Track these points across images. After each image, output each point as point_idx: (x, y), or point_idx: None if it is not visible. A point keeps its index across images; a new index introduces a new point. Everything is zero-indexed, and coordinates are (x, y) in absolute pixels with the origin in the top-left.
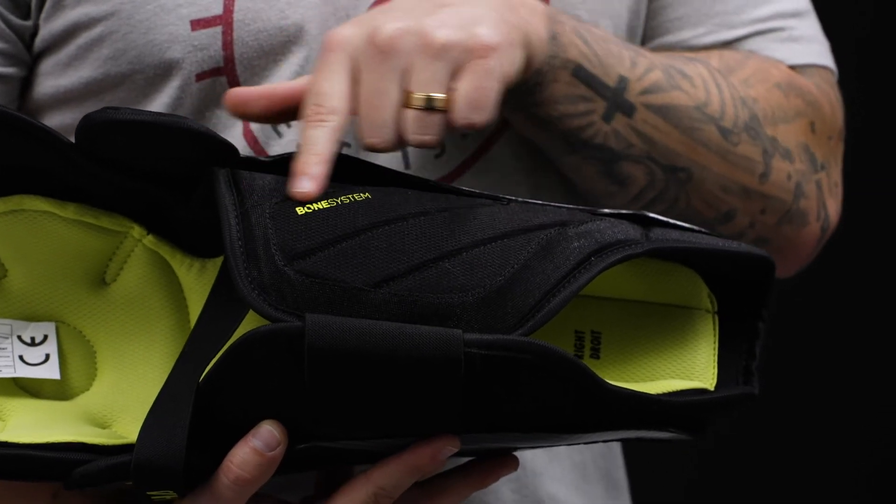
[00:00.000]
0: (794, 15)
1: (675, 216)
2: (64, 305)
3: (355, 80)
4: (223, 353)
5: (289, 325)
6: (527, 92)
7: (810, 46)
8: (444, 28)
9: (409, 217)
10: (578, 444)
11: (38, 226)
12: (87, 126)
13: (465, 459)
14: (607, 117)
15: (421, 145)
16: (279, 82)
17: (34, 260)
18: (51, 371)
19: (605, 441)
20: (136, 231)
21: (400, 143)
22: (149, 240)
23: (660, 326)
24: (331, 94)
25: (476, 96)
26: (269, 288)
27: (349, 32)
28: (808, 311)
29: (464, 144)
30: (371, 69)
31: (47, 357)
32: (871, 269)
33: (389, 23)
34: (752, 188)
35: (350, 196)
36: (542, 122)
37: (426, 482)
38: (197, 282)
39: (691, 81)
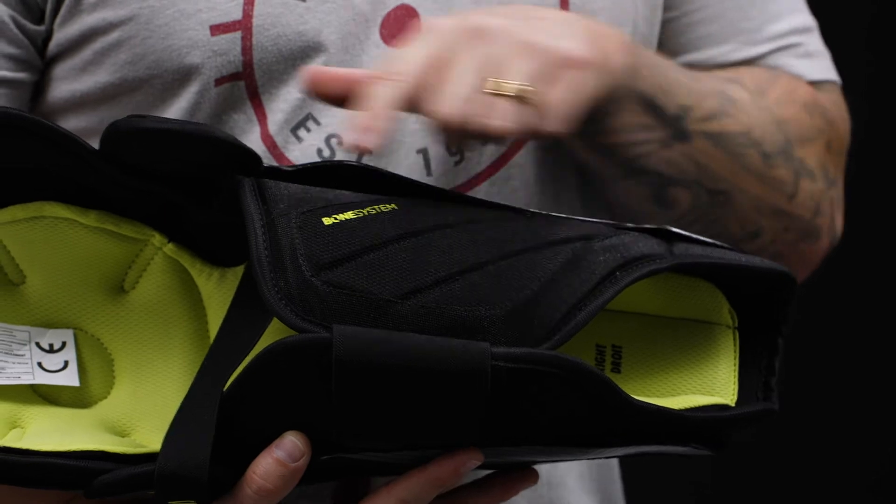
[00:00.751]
0: (806, 30)
1: (707, 234)
2: (82, 313)
3: (438, 59)
4: (248, 364)
5: (316, 336)
6: (595, 120)
7: (823, 62)
8: (543, 34)
9: (436, 229)
10: (600, 458)
11: (59, 232)
12: (112, 133)
13: (485, 472)
14: (666, 145)
15: (484, 131)
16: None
17: (53, 266)
18: (70, 378)
19: (626, 455)
20: (157, 239)
21: (462, 127)
22: (169, 248)
23: (680, 341)
24: (405, 60)
25: (564, 107)
26: (295, 298)
27: (448, 21)
28: (808, 322)
29: (484, 151)
30: (458, 48)
31: (66, 364)
32: (870, 276)
33: (490, 18)
34: (781, 208)
35: (376, 207)
36: (603, 149)
37: (446, 494)
38: (216, 291)
39: (738, 107)
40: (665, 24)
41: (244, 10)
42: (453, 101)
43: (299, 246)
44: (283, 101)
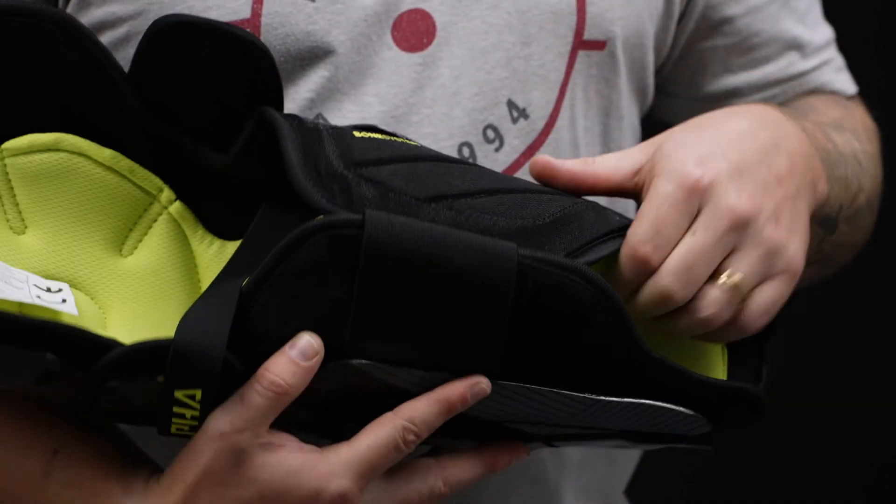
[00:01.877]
0: (832, 43)
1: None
2: (78, 271)
3: (700, 252)
4: (274, 250)
5: (349, 217)
6: None
7: (849, 75)
8: (781, 230)
9: (460, 162)
10: (602, 417)
11: (71, 168)
12: (156, 28)
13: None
14: (819, 242)
15: (704, 322)
16: (593, 164)
17: (56, 214)
18: (69, 309)
19: (630, 406)
20: (165, 196)
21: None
22: (175, 207)
23: (670, 349)
24: (668, 238)
25: (769, 309)
26: (326, 185)
27: (714, 180)
28: (807, 322)
29: (521, 134)
30: (713, 232)
31: (65, 301)
32: (871, 277)
33: (745, 196)
34: (860, 244)
35: (404, 138)
36: None
37: (440, 455)
38: (214, 260)
39: (862, 171)
40: (717, 49)
41: (253, 9)
42: (687, 286)
43: (331, 147)
44: (292, 101)
